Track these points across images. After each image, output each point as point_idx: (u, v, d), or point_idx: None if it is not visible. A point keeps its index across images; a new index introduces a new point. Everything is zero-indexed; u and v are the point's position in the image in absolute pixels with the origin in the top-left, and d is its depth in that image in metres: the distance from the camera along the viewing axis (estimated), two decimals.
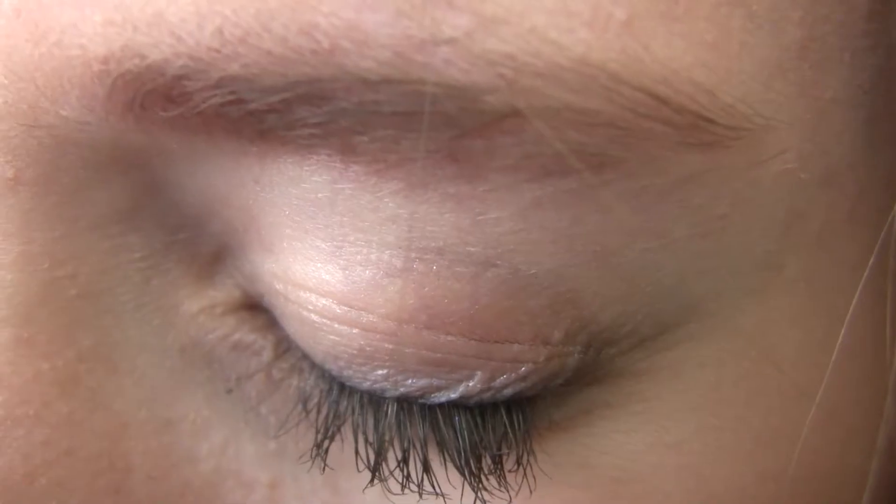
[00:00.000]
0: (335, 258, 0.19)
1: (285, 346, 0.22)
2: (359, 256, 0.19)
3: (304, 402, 0.21)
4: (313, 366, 0.21)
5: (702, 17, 0.17)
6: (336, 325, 0.19)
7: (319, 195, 0.18)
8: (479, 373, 0.19)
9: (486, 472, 0.20)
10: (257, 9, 0.16)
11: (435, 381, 0.20)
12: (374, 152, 0.17)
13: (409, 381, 0.20)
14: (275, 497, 0.21)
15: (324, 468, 0.21)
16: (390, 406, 0.20)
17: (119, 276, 0.21)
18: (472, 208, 0.18)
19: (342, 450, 0.21)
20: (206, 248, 0.21)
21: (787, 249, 0.20)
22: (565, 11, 0.16)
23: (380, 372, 0.20)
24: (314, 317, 0.20)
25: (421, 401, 0.20)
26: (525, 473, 0.21)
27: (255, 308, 0.22)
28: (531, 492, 0.21)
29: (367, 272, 0.19)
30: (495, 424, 0.20)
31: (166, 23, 0.17)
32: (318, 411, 0.21)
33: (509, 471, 0.20)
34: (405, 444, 0.20)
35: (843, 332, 0.22)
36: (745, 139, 0.18)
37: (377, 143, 0.17)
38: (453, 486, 0.21)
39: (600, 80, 0.16)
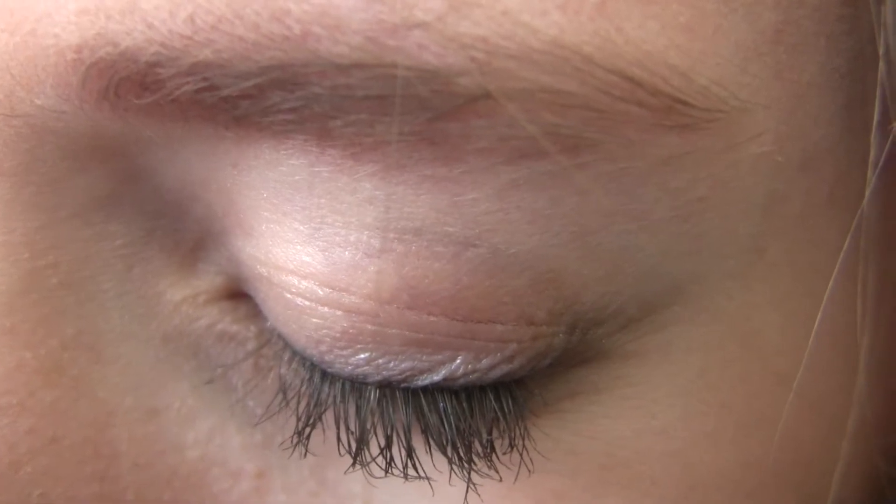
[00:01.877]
0: (314, 240, 0.19)
1: (268, 335, 0.22)
2: (338, 238, 0.19)
3: (285, 391, 0.21)
4: (295, 354, 0.21)
5: (675, 0, 0.17)
6: (319, 308, 0.19)
7: (297, 178, 0.19)
8: (462, 354, 0.20)
9: (477, 456, 0.20)
10: None
11: (418, 364, 0.20)
12: (350, 136, 0.17)
13: (392, 363, 0.20)
14: (261, 487, 0.21)
15: (305, 454, 0.21)
16: (372, 392, 0.20)
17: (100, 265, 0.21)
18: (448, 189, 0.18)
19: (329, 439, 0.21)
20: (188, 234, 0.21)
21: (768, 232, 0.21)
22: None
23: (362, 356, 0.20)
24: (298, 300, 0.20)
25: (404, 385, 0.20)
26: (522, 457, 0.21)
27: (238, 297, 0.22)
28: (524, 475, 0.21)
29: (347, 253, 0.19)
30: (484, 409, 0.20)
31: (139, 10, 0.17)
32: (299, 399, 0.21)
33: (503, 453, 0.21)
34: (388, 431, 0.20)
35: (819, 317, 0.22)
36: (722, 121, 0.18)
37: (352, 127, 0.17)
38: (439, 471, 0.21)
39: (574, 62, 0.17)
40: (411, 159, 0.18)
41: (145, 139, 0.19)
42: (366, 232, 0.19)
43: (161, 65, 0.17)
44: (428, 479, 0.20)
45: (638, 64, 0.17)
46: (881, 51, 0.20)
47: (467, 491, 0.21)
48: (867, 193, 0.21)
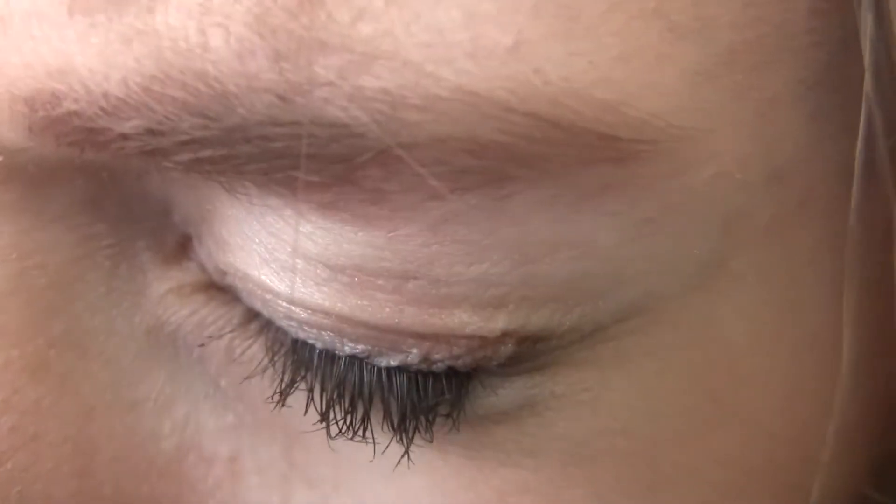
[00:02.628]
0: (270, 263, 0.20)
1: (248, 316, 0.22)
2: (287, 265, 0.20)
3: (263, 360, 0.22)
4: (275, 327, 0.22)
5: (608, 33, 0.17)
6: (286, 311, 0.20)
7: (251, 206, 0.19)
8: (415, 350, 0.20)
9: (420, 431, 0.21)
10: (156, 57, 0.17)
11: (376, 349, 0.20)
12: (283, 184, 0.18)
13: (354, 345, 0.20)
14: (234, 470, 0.22)
15: (281, 406, 0.21)
16: (344, 361, 0.21)
17: (88, 265, 0.22)
18: (382, 226, 0.18)
19: (299, 422, 0.22)
20: (172, 236, 0.22)
21: (730, 247, 0.20)
22: (443, 43, 0.16)
23: (327, 335, 0.20)
24: (268, 301, 0.21)
25: (367, 361, 0.21)
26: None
27: (221, 287, 0.22)
28: (490, 467, 0.22)
29: (298, 280, 0.20)
30: (432, 391, 0.21)
31: (76, 72, 0.17)
32: (274, 365, 0.22)
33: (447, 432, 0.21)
34: (353, 399, 0.21)
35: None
36: (661, 149, 0.18)
37: (284, 178, 0.18)
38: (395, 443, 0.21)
39: (483, 108, 0.17)
40: (343, 200, 0.18)
41: (113, 166, 0.20)
42: (312, 262, 0.19)
43: (99, 131, 0.18)
44: (375, 443, 0.21)
45: (558, 104, 0.17)
46: (866, 61, 0.19)
47: (404, 457, 0.21)
48: (853, 202, 0.20)
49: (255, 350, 0.22)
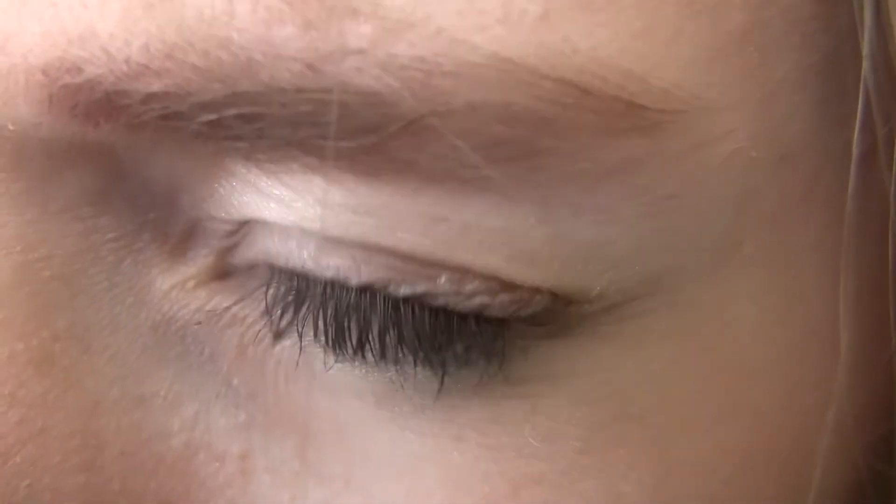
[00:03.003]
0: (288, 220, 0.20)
1: (257, 313, 0.22)
2: (311, 215, 0.20)
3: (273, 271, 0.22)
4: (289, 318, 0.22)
5: (630, 6, 0.17)
6: (307, 256, 0.20)
7: (268, 186, 0.20)
8: (446, 273, 0.20)
9: (447, 374, 0.21)
10: (178, 25, 0.17)
11: (399, 276, 0.20)
12: (307, 157, 0.18)
13: (373, 269, 0.20)
14: (245, 467, 0.22)
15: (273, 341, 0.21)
16: (353, 294, 0.21)
17: (92, 258, 0.21)
18: (409, 192, 0.19)
19: (314, 415, 0.22)
20: (178, 224, 0.22)
21: (743, 227, 0.21)
22: (475, 10, 0.17)
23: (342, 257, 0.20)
24: (288, 250, 0.21)
25: (384, 292, 0.20)
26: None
27: (227, 277, 0.22)
28: (508, 456, 0.21)
29: (313, 244, 0.20)
30: (462, 333, 0.20)
31: (97, 38, 0.17)
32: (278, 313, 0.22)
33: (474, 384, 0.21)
34: (363, 335, 0.21)
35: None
36: (685, 121, 0.18)
37: (308, 150, 0.18)
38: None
39: (517, 74, 0.17)
40: (371, 169, 0.18)
41: (124, 143, 0.20)
42: (336, 209, 0.19)
43: (122, 93, 0.18)
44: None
45: (587, 71, 0.17)
46: (864, 50, 0.19)
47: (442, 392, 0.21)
48: (850, 190, 0.21)
49: (254, 362, 0.22)
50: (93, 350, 0.22)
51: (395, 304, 0.20)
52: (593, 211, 0.19)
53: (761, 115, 0.19)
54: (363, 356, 0.21)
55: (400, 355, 0.21)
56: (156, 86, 0.17)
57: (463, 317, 0.20)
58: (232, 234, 0.22)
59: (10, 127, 0.19)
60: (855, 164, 0.21)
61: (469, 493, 0.22)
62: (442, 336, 0.20)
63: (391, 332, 0.21)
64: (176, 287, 0.22)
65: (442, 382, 0.21)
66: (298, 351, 0.22)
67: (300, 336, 0.22)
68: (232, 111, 0.17)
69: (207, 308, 0.22)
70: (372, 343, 0.21)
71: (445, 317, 0.20)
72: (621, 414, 0.22)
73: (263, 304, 0.22)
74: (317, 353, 0.22)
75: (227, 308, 0.22)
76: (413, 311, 0.20)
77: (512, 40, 0.17)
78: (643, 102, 0.18)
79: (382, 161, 0.18)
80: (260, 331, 0.22)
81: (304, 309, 0.21)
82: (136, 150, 0.20)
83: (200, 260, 0.22)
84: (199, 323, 0.22)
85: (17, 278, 0.21)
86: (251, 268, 0.23)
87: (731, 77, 0.19)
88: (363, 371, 0.22)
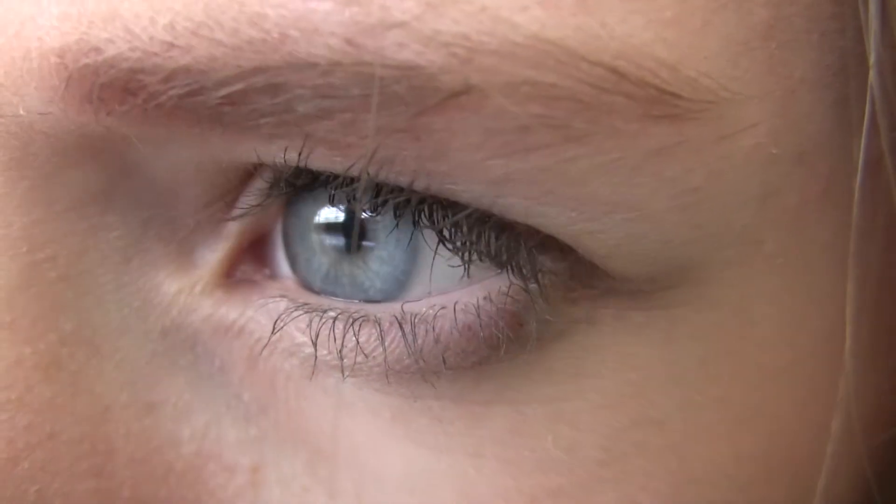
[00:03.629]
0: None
1: (266, 326, 0.22)
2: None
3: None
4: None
5: None
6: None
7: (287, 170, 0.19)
8: None
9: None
10: (206, 2, 0.17)
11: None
12: (335, 137, 0.18)
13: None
14: (257, 480, 0.22)
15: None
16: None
17: (98, 257, 0.21)
18: (438, 181, 0.18)
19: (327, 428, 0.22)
20: (184, 221, 0.22)
21: (764, 225, 0.21)
22: None
23: None
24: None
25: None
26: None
27: (234, 288, 0.22)
28: (529, 469, 0.21)
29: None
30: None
31: (120, 17, 0.17)
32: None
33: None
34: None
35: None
36: (713, 112, 0.19)
37: (335, 128, 0.18)
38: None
39: (556, 55, 0.17)
40: (400, 156, 0.18)
41: (131, 139, 0.19)
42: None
43: (143, 71, 0.18)
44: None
45: (623, 57, 0.17)
46: (870, 58, 0.20)
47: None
48: (857, 195, 0.21)
49: (265, 376, 0.22)
50: (101, 354, 0.21)
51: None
52: (624, 208, 0.19)
53: (781, 113, 0.20)
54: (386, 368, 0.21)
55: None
56: (180, 62, 0.17)
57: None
58: (242, 233, 0.22)
59: (22, 113, 0.19)
60: (862, 170, 0.21)
61: None
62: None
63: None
64: (183, 291, 0.22)
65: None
66: (312, 366, 0.22)
67: (315, 348, 0.21)
68: (258, 83, 0.17)
69: (215, 318, 0.22)
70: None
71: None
72: (642, 419, 0.21)
73: (273, 317, 0.22)
74: (330, 368, 0.21)
75: (235, 320, 0.22)
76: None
77: (552, 22, 0.17)
78: (675, 90, 0.18)
79: (413, 148, 0.18)
80: (267, 345, 0.22)
81: (316, 322, 0.21)
82: (145, 142, 0.20)
83: (208, 262, 0.22)
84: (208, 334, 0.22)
85: (24, 280, 0.21)
86: (259, 277, 0.23)
87: (754, 72, 0.19)
88: (379, 385, 0.21)
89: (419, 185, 0.18)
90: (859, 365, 0.22)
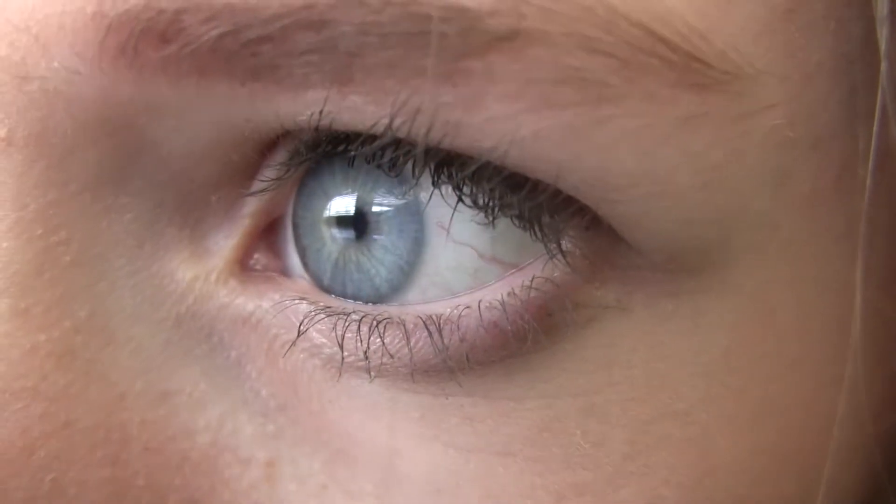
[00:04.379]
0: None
1: (279, 309, 0.22)
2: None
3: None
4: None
5: None
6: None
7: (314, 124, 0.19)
8: None
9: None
10: None
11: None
12: (373, 80, 0.18)
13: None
14: (272, 475, 0.21)
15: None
16: None
17: (112, 241, 0.21)
18: (468, 135, 0.18)
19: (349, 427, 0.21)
20: (197, 203, 0.21)
21: (780, 209, 0.21)
22: None
23: None
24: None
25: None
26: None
27: (249, 276, 0.22)
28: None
29: None
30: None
31: None
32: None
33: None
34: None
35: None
36: (736, 87, 0.19)
37: (376, 69, 0.18)
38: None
39: (598, 11, 0.17)
40: (434, 104, 0.18)
41: (155, 106, 0.19)
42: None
43: (187, 11, 0.17)
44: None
45: (660, 20, 0.18)
46: (881, 47, 0.20)
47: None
48: (868, 183, 0.21)
49: (284, 372, 0.22)
50: (115, 342, 0.21)
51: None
52: (648, 181, 0.19)
53: (798, 97, 0.20)
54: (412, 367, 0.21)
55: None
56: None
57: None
58: (255, 216, 0.22)
59: (49, 75, 0.19)
60: (872, 160, 0.21)
61: None
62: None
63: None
64: (199, 278, 0.21)
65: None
66: (334, 367, 0.21)
67: (341, 347, 0.21)
68: (304, 19, 0.17)
69: (231, 309, 0.22)
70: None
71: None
72: (667, 411, 0.21)
73: (293, 319, 0.22)
74: (356, 370, 0.21)
75: (252, 312, 0.22)
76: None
77: None
78: (705, 58, 0.18)
79: (448, 94, 0.18)
80: (288, 341, 0.21)
81: (341, 325, 0.21)
82: (166, 111, 0.20)
83: (222, 248, 0.22)
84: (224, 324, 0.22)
85: (38, 265, 0.20)
86: (274, 269, 0.22)
87: (774, 53, 0.19)
88: (407, 384, 0.21)
89: (445, 142, 0.18)
90: (867, 358, 0.22)
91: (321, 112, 0.19)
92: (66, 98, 0.19)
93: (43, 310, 0.20)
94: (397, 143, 0.19)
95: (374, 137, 0.19)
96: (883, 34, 0.20)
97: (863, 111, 0.21)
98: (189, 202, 0.21)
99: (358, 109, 0.18)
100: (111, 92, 0.19)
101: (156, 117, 0.20)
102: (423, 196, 0.21)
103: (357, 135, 0.20)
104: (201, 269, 0.22)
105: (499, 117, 0.18)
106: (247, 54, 0.18)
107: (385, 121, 0.18)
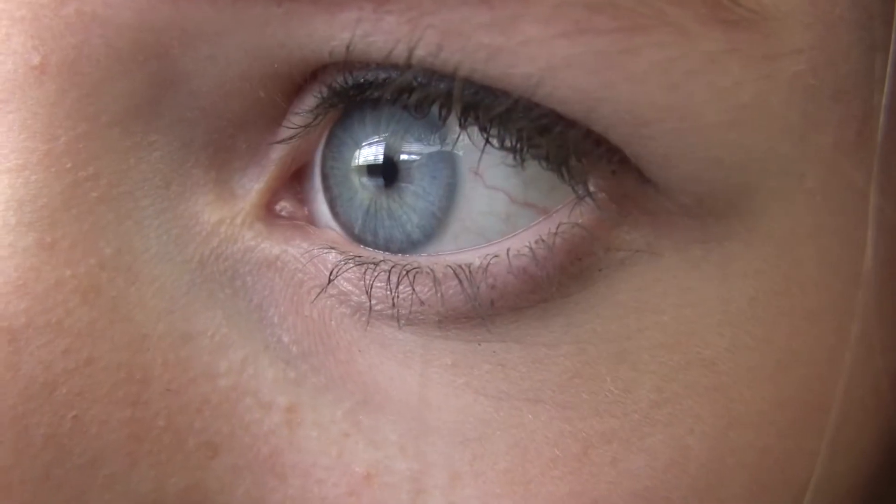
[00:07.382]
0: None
1: (307, 258, 0.22)
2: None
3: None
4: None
5: None
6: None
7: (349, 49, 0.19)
8: None
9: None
10: None
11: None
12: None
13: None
14: (292, 420, 0.21)
15: None
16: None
17: (139, 179, 0.21)
18: (502, 61, 0.18)
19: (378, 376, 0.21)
20: (226, 141, 0.21)
21: (805, 157, 0.21)
22: None
23: None
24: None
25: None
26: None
27: (274, 221, 0.22)
28: (586, 412, 0.21)
29: None
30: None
31: None
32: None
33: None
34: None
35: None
36: (764, 27, 0.19)
37: None
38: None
39: None
40: (469, 25, 0.18)
41: (190, 32, 0.19)
42: None
43: None
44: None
45: None
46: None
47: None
48: (879, 138, 0.22)
49: (307, 319, 0.22)
50: (140, 281, 0.21)
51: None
52: (676, 116, 0.19)
53: (821, 46, 0.20)
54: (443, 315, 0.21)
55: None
56: None
57: None
58: (283, 162, 0.22)
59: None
60: (884, 116, 0.22)
61: (538, 456, 0.21)
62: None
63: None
64: (224, 221, 0.21)
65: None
66: (362, 315, 0.21)
67: (369, 296, 0.21)
68: None
69: (256, 252, 0.21)
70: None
71: None
72: (695, 359, 0.21)
73: (322, 268, 0.21)
74: (385, 318, 0.21)
75: (277, 256, 0.22)
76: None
77: None
78: None
79: (484, 14, 0.18)
80: (314, 287, 0.21)
81: (370, 274, 0.21)
82: (195, 47, 0.20)
83: (248, 192, 0.22)
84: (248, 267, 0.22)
85: (66, 199, 0.20)
86: (300, 216, 0.22)
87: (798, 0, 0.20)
88: (439, 331, 0.21)
89: (478, 72, 0.18)
90: (882, 313, 0.23)
91: (353, 37, 0.19)
92: (103, 21, 0.19)
93: (69, 245, 0.20)
94: (428, 77, 0.19)
95: (401, 73, 0.19)
96: None
97: (880, 68, 0.21)
98: (216, 143, 0.21)
99: (391, 32, 0.18)
100: (148, 16, 0.19)
101: (190, 44, 0.20)
102: (455, 142, 0.21)
103: (384, 79, 0.20)
104: (227, 212, 0.21)
105: (534, 40, 0.18)
106: None
107: (418, 51, 0.18)
